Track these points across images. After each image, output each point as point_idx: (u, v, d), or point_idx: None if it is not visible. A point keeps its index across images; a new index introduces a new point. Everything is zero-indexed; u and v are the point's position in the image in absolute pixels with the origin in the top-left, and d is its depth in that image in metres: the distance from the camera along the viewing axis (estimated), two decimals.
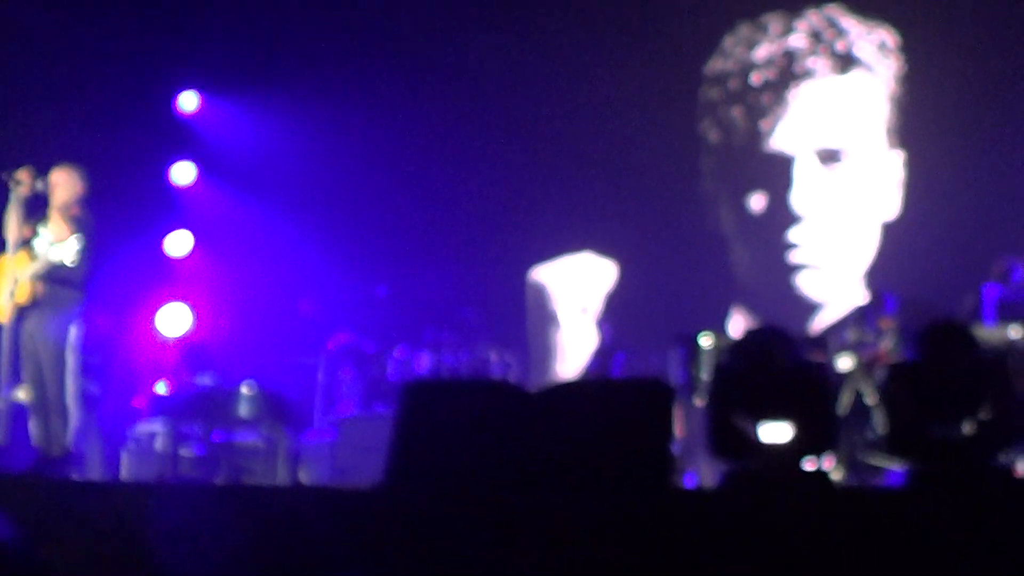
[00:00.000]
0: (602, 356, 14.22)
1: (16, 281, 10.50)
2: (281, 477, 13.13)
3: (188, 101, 16.94)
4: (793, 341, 7.66)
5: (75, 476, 11.21)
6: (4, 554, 6.12)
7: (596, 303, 15.98)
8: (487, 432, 7.06)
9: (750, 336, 7.56)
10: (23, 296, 10.49)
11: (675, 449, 7.11)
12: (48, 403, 10.55)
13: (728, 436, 7.02)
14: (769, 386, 7.06)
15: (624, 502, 6.36)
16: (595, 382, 11.81)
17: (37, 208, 10.72)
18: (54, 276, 10.51)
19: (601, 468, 6.73)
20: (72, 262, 10.50)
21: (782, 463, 6.88)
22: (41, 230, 10.61)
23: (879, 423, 10.34)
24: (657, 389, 7.31)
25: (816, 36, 15.26)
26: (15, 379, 10.76)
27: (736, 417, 7.01)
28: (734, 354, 7.39)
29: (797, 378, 7.13)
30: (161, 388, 14.82)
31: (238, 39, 16.62)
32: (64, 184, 10.79)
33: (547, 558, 6.32)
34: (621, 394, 7.30)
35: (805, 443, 6.92)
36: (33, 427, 10.59)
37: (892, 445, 7.50)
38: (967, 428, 6.98)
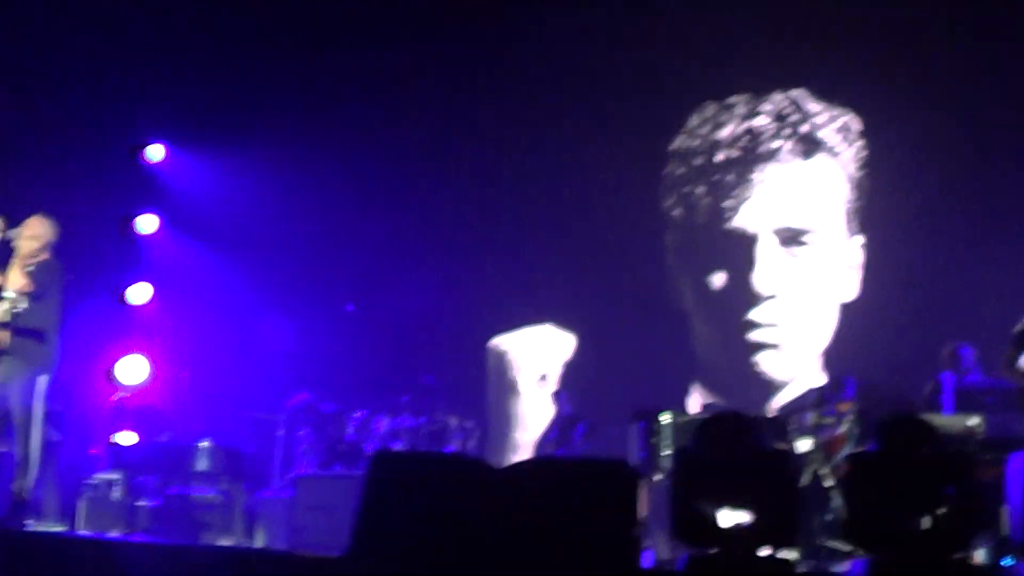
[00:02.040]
0: (562, 427, 14.27)
1: None
2: (237, 532, 13.13)
3: (155, 152, 16.95)
4: (756, 426, 7.72)
5: (31, 524, 11.21)
6: None
7: (555, 373, 16.06)
8: (454, 507, 7.09)
9: (713, 421, 7.59)
10: None
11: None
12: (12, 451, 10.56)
13: (690, 521, 7.07)
14: (732, 472, 7.10)
15: None
16: (560, 460, 11.80)
17: (5, 258, 10.73)
18: (21, 325, 10.50)
19: (566, 547, 6.78)
20: (35, 310, 10.50)
21: (744, 549, 6.94)
22: (8, 279, 10.62)
23: (838, 507, 10.44)
24: (623, 471, 7.36)
25: (781, 118, 15.42)
26: None
27: (699, 502, 7.06)
28: (697, 438, 7.42)
29: (760, 465, 7.17)
30: (119, 439, 14.82)
31: (205, 92, 16.68)
32: (33, 234, 10.81)
33: None
34: (587, 474, 7.33)
35: (767, 530, 6.97)
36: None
37: (851, 534, 7.56)
38: (927, 520, 7.05)
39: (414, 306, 16.09)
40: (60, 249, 11.02)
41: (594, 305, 15.79)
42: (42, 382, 10.60)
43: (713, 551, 6.98)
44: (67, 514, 13.43)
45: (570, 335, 16.09)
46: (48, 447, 11.68)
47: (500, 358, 16.43)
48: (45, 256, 10.83)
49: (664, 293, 15.77)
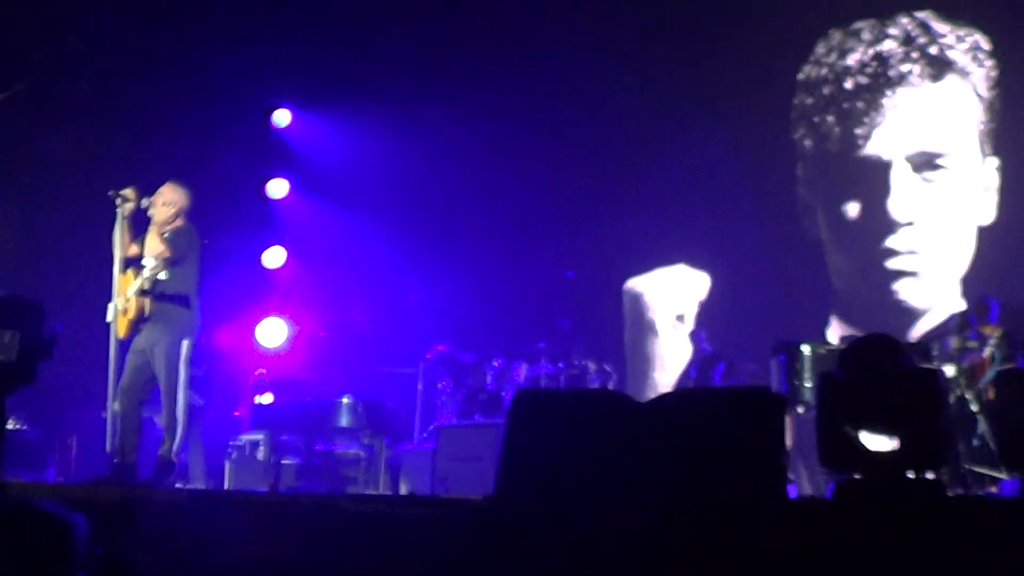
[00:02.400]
0: (701, 366, 14.20)
1: (126, 298, 10.66)
2: (381, 486, 13.24)
3: (282, 117, 17.11)
4: (902, 349, 7.60)
5: (179, 485, 11.40)
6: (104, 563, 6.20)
7: (692, 313, 15.97)
8: (598, 442, 7.06)
9: (859, 344, 7.46)
10: (132, 312, 10.63)
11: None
12: (132, 418, 10.69)
13: (837, 446, 6.96)
14: (879, 395, 6.99)
15: (739, 513, 6.37)
16: (705, 391, 11.75)
17: (147, 227, 10.87)
18: (161, 291, 10.64)
19: (714, 478, 6.73)
20: (174, 276, 10.64)
21: (892, 473, 6.82)
22: (146, 247, 10.75)
23: (984, 432, 10.29)
24: (769, 398, 7.29)
25: (908, 41, 15.14)
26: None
27: (845, 427, 6.95)
28: (843, 363, 7.30)
29: (908, 386, 7.04)
30: (262, 400, 15.00)
31: (329, 55, 16.75)
32: (167, 200, 10.93)
33: (661, 570, 6.34)
34: (732, 403, 7.26)
35: (915, 453, 6.85)
36: (112, 436, 10.71)
37: (1003, 455, 7.43)
38: None
39: (547, 252, 16.06)
40: (195, 215, 11.14)
41: (727, 242, 15.64)
42: (185, 347, 10.75)
43: (860, 476, 6.87)
44: (213, 476, 13.64)
45: (704, 274, 15.98)
46: (192, 411, 11.86)
47: (636, 300, 16.37)
48: (180, 222, 10.96)
49: (797, 225, 15.59)
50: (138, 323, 10.67)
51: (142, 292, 10.63)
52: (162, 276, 10.60)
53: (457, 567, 6.78)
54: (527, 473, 7.19)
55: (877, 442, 6.87)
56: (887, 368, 7.17)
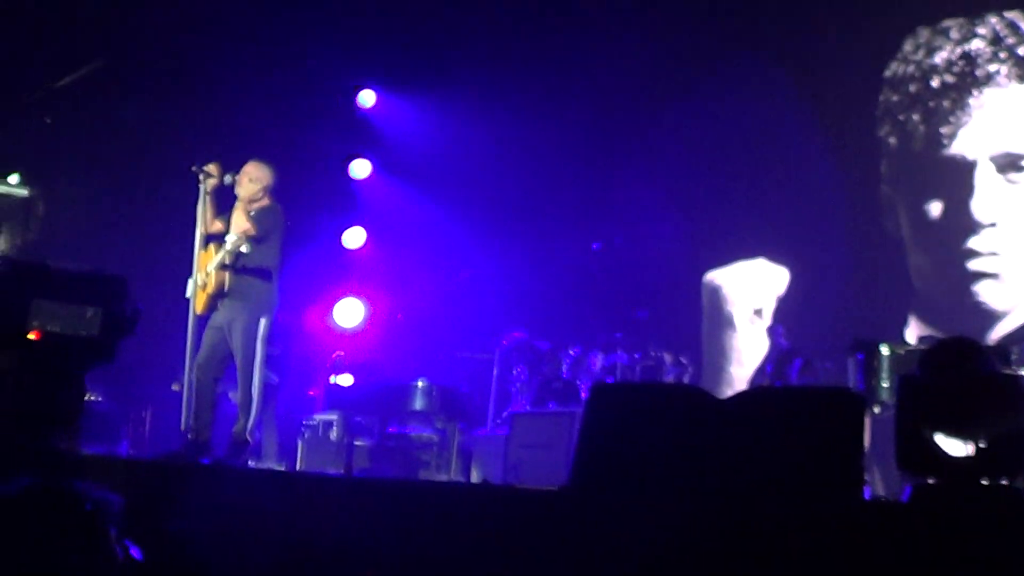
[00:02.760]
0: (777, 361, 14.14)
1: (206, 272, 10.73)
2: (453, 470, 13.28)
3: (367, 97, 17.18)
4: (983, 352, 7.53)
5: (252, 464, 11.48)
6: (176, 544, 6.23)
7: (770, 307, 15.92)
8: (676, 437, 7.04)
9: (940, 346, 7.41)
10: (211, 287, 10.70)
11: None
12: (208, 394, 10.76)
13: (915, 449, 6.91)
14: (959, 399, 6.93)
15: (816, 513, 6.35)
16: (786, 389, 11.68)
17: (229, 203, 10.94)
18: (242, 267, 10.70)
19: (791, 478, 6.71)
20: (257, 252, 10.68)
21: (968, 479, 6.76)
22: (232, 223, 10.82)
23: None
24: (849, 399, 7.26)
25: (997, 41, 14.99)
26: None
27: (924, 430, 6.90)
28: (923, 365, 7.24)
29: (988, 391, 6.98)
30: (338, 380, 15.06)
31: (416, 38, 16.77)
32: (252, 177, 10.99)
33: (735, 568, 6.33)
34: (812, 403, 7.23)
35: (994, 459, 6.79)
36: (186, 413, 10.79)
37: None
38: None
39: (627, 241, 16.02)
40: (279, 193, 11.20)
41: (807, 238, 15.59)
42: (263, 325, 10.80)
43: (937, 481, 6.82)
44: (286, 455, 13.72)
45: (783, 269, 15.92)
46: (267, 389, 11.90)
47: (715, 293, 16.34)
48: (266, 200, 11.02)
49: (879, 223, 15.49)
50: (217, 298, 10.74)
51: (223, 266, 10.69)
52: (244, 250, 10.64)
53: (528, 557, 6.79)
54: (602, 465, 7.18)
55: (955, 447, 6.82)
56: (967, 372, 7.10)
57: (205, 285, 10.74)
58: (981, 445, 6.78)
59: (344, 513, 7.64)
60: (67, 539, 3.64)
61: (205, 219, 10.86)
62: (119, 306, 8.30)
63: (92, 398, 13.16)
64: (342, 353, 15.76)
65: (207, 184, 10.86)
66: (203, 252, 10.85)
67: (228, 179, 10.92)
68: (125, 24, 15.14)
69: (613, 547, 6.56)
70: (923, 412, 6.96)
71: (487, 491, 8.97)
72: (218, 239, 10.83)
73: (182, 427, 10.92)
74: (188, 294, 10.87)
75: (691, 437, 6.98)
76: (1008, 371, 10.26)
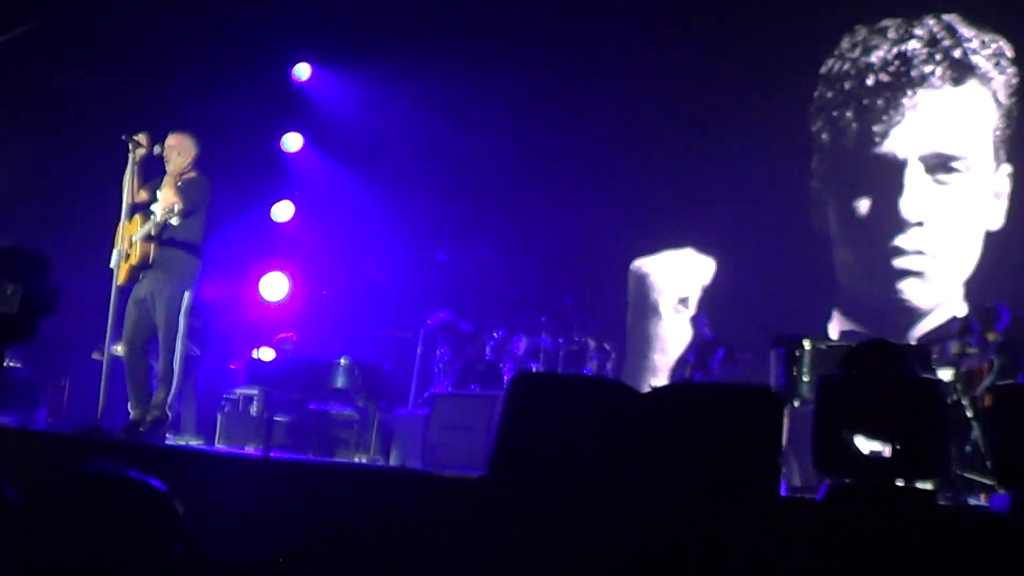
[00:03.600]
0: (700, 351, 14.21)
1: (130, 242, 10.60)
2: (372, 450, 13.21)
3: (302, 71, 17.07)
4: (904, 355, 7.58)
5: (170, 438, 11.36)
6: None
7: (695, 297, 15.99)
8: (596, 430, 7.04)
9: (861, 348, 7.43)
10: (135, 258, 10.56)
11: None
12: (141, 366, 10.66)
13: (833, 449, 6.94)
14: (878, 400, 6.97)
15: (731, 508, 6.37)
16: (704, 386, 11.69)
17: (155, 173, 10.82)
18: (168, 239, 10.58)
19: (708, 472, 6.73)
20: (183, 225, 10.56)
21: (885, 479, 6.80)
22: (157, 194, 10.69)
23: (977, 438, 10.28)
24: (768, 398, 7.29)
25: (933, 43, 15.11)
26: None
27: (842, 430, 6.93)
28: (844, 366, 7.27)
29: (907, 393, 7.02)
30: (259, 354, 14.97)
31: (353, 11, 16.65)
32: (180, 149, 10.87)
33: (650, 561, 6.33)
34: (731, 400, 7.25)
35: (910, 460, 6.83)
36: (130, 390, 10.67)
37: (995, 468, 7.41)
38: None
39: (554, 227, 16.02)
40: (208, 165, 11.08)
41: (735, 229, 15.66)
42: (187, 298, 10.68)
43: (852, 480, 6.86)
44: (205, 429, 13.60)
45: (710, 259, 15.99)
46: (188, 361, 11.79)
47: (641, 281, 16.38)
48: (194, 173, 10.89)
49: (807, 218, 15.59)
50: (140, 270, 10.58)
51: (148, 238, 10.54)
52: (173, 222, 10.51)
53: (446, 544, 6.77)
54: (521, 456, 7.18)
55: (872, 447, 6.85)
56: (888, 374, 7.15)
57: (128, 256, 10.59)
58: (898, 446, 6.82)
59: (261, 494, 7.58)
60: (141, 533, 3.57)
61: (132, 188, 10.71)
62: (40, 284, 8.16)
63: (11, 365, 13.01)
64: (293, 336, 15.65)
65: (136, 154, 10.69)
66: (128, 222, 10.71)
67: (157, 149, 10.77)
68: None
69: (530, 537, 6.56)
70: (842, 412, 7.01)
71: (404, 476, 8.92)
72: (143, 209, 10.70)
73: (99, 403, 10.76)
74: (112, 264, 10.72)
75: (611, 430, 6.99)
76: (927, 373, 10.33)
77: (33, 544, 3.44)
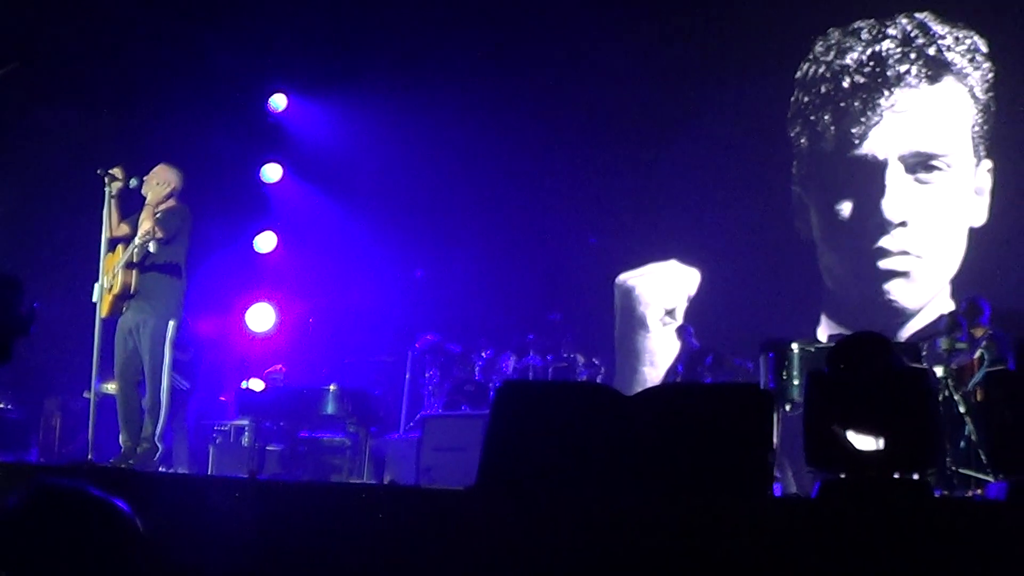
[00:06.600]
0: (689, 361, 14.18)
1: (113, 274, 10.56)
2: (366, 475, 13.18)
3: (279, 101, 17.07)
4: (892, 348, 7.53)
5: (162, 470, 11.30)
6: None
7: (682, 308, 15.97)
8: (583, 434, 7.01)
9: (849, 342, 7.39)
10: (117, 287, 10.51)
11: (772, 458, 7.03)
12: (133, 398, 10.60)
13: (824, 445, 6.89)
14: (868, 394, 6.93)
15: (723, 509, 6.32)
16: (694, 386, 11.67)
17: (137, 207, 10.78)
18: (149, 265, 10.53)
19: (699, 473, 6.68)
20: (164, 252, 10.52)
21: (879, 473, 6.75)
22: (140, 226, 10.66)
23: (970, 433, 10.25)
24: (757, 396, 7.25)
25: (907, 41, 15.12)
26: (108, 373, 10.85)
27: (832, 426, 6.88)
28: (832, 360, 7.23)
29: (897, 385, 6.99)
30: (249, 385, 14.94)
31: (329, 42, 16.68)
32: (160, 179, 10.84)
33: (643, 564, 6.29)
34: (721, 399, 7.22)
35: (902, 453, 6.78)
36: (121, 422, 10.61)
37: (991, 457, 7.37)
38: None
39: (538, 244, 16.02)
40: (189, 197, 11.05)
41: (719, 239, 15.66)
42: (171, 328, 10.63)
43: (846, 476, 6.81)
44: (198, 462, 13.56)
45: (695, 270, 15.97)
46: (177, 395, 11.76)
47: (627, 294, 16.36)
48: (174, 203, 10.85)
49: (789, 224, 15.58)
50: (123, 299, 10.52)
51: (129, 265, 10.49)
52: (151, 249, 10.47)
53: (437, 557, 6.72)
54: (510, 464, 7.14)
55: (864, 442, 6.81)
56: (876, 367, 7.11)
57: (111, 287, 10.55)
58: (889, 439, 6.77)
59: (254, 517, 7.54)
60: (101, 552, 3.50)
61: (110, 223, 10.66)
62: (13, 305, 8.09)
63: (1, 407, 12.98)
64: (282, 368, 15.59)
65: (112, 187, 10.65)
66: (109, 255, 10.67)
67: (133, 182, 10.73)
68: (36, 27, 14.92)
69: (521, 544, 6.51)
70: (831, 408, 6.97)
71: (394, 492, 8.88)
72: (124, 243, 10.66)
73: (88, 439, 10.71)
74: (94, 298, 10.67)
75: (598, 434, 6.95)
76: (917, 366, 10.31)
77: None
